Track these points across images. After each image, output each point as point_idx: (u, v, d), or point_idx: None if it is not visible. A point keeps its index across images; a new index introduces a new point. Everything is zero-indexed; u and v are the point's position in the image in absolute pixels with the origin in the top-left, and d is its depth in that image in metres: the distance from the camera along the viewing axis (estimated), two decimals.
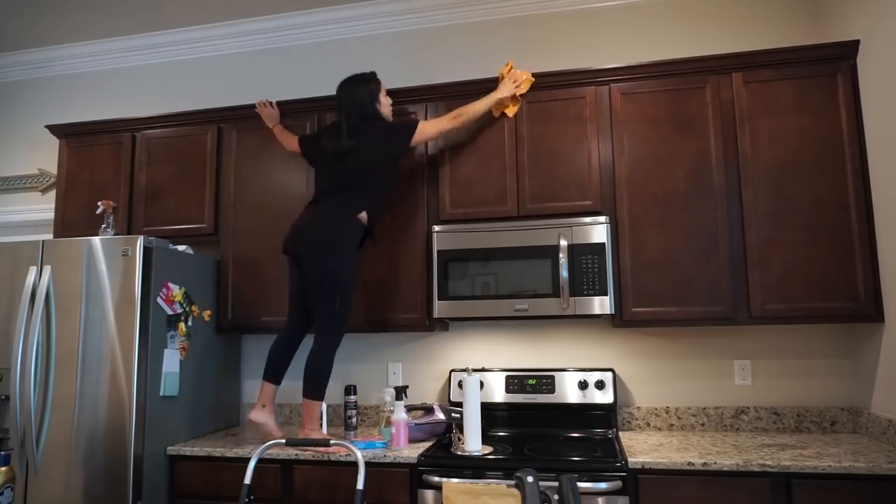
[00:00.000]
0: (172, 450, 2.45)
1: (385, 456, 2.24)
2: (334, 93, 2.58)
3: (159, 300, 2.46)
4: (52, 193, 3.52)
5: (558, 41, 3.01)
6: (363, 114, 2.48)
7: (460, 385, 2.75)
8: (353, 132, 2.45)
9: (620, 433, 2.58)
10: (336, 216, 2.39)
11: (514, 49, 3.05)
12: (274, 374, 2.46)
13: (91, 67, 3.63)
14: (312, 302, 2.37)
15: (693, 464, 2.02)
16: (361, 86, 2.50)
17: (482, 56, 3.09)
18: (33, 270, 2.45)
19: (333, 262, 2.34)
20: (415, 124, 2.49)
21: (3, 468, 1.70)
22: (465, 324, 2.91)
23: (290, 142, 2.76)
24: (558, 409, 2.63)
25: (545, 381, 2.66)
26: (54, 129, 3.16)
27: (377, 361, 2.98)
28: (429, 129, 2.50)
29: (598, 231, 2.41)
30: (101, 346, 2.36)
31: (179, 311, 2.55)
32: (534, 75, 2.59)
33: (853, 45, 2.35)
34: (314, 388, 2.33)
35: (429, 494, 2.17)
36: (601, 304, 2.36)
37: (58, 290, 2.43)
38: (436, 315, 2.51)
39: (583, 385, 2.60)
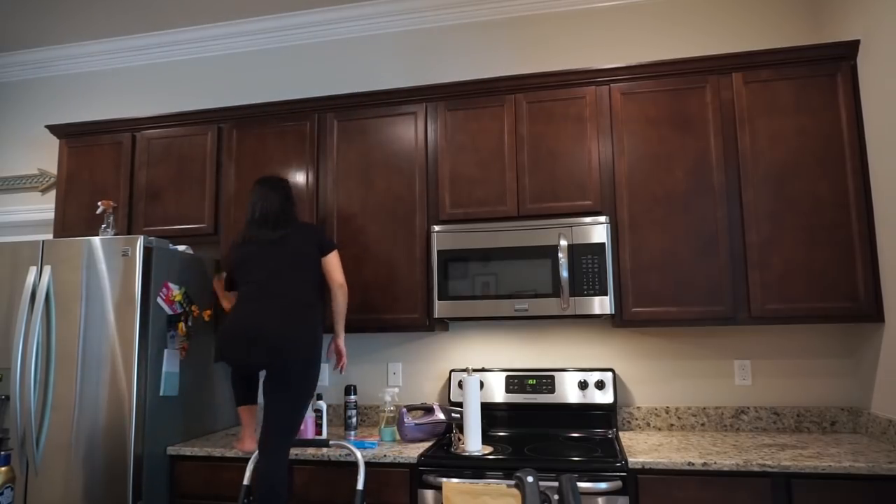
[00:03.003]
0: (172, 450, 2.45)
1: (385, 456, 2.24)
2: (334, 93, 2.58)
3: (159, 300, 2.46)
4: (52, 193, 3.52)
5: (558, 41, 3.01)
6: (287, 217, 2.37)
7: (460, 385, 2.75)
8: (280, 218, 2.33)
9: (620, 433, 2.58)
10: (309, 314, 2.19)
11: (514, 49, 3.05)
12: (248, 396, 2.38)
13: (91, 67, 3.63)
14: (277, 411, 2.10)
15: (693, 464, 2.02)
16: (278, 190, 2.39)
17: (482, 56, 3.09)
18: (33, 270, 2.45)
19: (316, 368, 2.18)
20: (334, 245, 2.40)
21: (3, 468, 1.70)
22: (465, 324, 2.91)
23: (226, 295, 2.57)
24: (558, 409, 2.63)
25: (545, 381, 2.66)
26: (54, 129, 3.16)
27: (377, 361, 2.98)
28: (334, 263, 2.36)
29: (598, 231, 2.41)
30: (101, 346, 2.36)
31: (179, 311, 2.55)
32: (534, 75, 2.60)
33: (853, 45, 2.35)
34: None
35: (429, 494, 2.17)
36: (601, 304, 2.36)
37: (58, 290, 2.42)
38: (436, 315, 2.51)
39: (583, 385, 2.60)
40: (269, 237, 2.30)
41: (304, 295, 2.24)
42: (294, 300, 2.20)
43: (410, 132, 2.72)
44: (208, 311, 2.74)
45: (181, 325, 2.55)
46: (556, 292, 2.40)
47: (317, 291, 2.31)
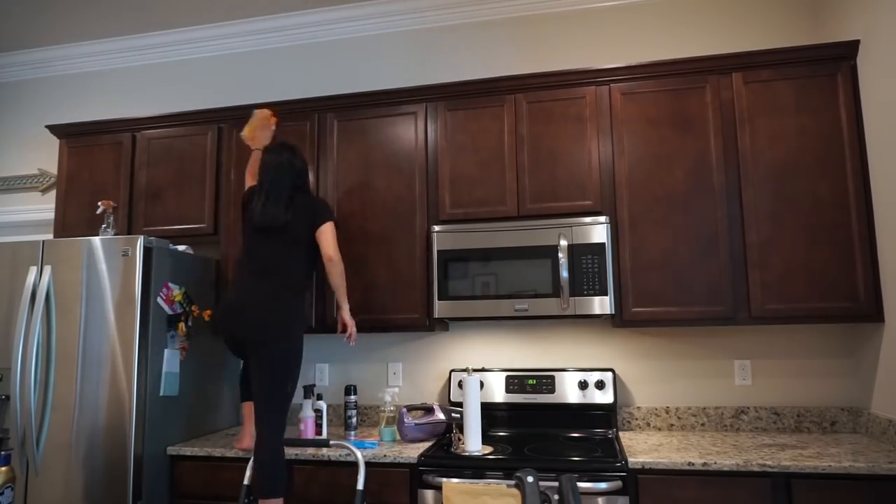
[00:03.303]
0: (172, 450, 2.45)
1: (385, 456, 2.24)
2: (335, 93, 2.58)
3: (159, 300, 2.46)
4: (52, 193, 3.52)
5: (558, 41, 3.01)
6: (297, 185, 2.43)
7: (460, 385, 2.75)
8: (286, 204, 2.36)
9: (620, 433, 2.58)
10: (290, 296, 2.29)
11: (515, 49, 3.05)
12: (251, 393, 2.36)
13: (91, 67, 3.63)
14: (258, 387, 2.19)
15: (693, 464, 2.02)
16: (297, 157, 2.46)
17: (482, 56, 3.09)
18: (33, 270, 2.45)
19: (289, 344, 2.23)
20: (329, 217, 2.41)
21: (3, 468, 1.70)
22: (465, 324, 2.91)
23: (249, 179, 2.66)
24: (558, 409, 2.63)
25: (545, 381, 2.66)
26: (54, 129, 3.16)
27: (377, 361, 2.98)
28: (328, 235, 2.38)
29: (598, 231, 2.41)
30: (101, 346, 2.36)
31: (179, 311, 2.55)
32: (534, 75, 2.60)
33: (853, 45, 2.35)
34: (271, 485, 2.10)
35: (429, 494, 2.17)
36: (601, 304, 2.36)
37: (58, 290, 2.42)
38: (436, 315, 2.51)
39: (583, 385, 2.60)
40: (274, 222, 2.33)
41: (292, 278, 2.32)
42: (280, 283, 2.30)
43: (410, 132, 2.72)
44: (208, 311, 2.74)
45: (181, 325, 2.55)
46: (556, 292, 2.40)
47: (308, 274, 2.41)
